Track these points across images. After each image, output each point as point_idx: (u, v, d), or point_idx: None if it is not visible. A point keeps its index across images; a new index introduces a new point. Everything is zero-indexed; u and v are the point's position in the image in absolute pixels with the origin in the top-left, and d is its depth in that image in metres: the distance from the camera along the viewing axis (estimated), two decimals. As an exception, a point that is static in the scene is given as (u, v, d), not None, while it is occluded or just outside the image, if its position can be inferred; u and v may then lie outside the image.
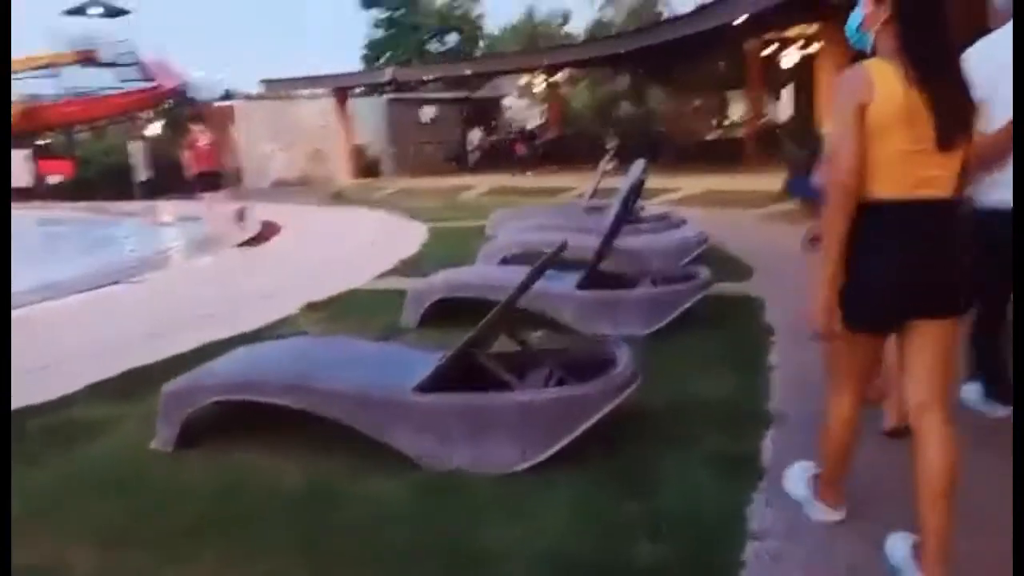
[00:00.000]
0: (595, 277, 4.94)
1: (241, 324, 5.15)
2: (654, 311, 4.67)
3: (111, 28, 33.09)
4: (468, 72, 22.81)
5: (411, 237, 9.40)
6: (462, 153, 24.17)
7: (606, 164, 11.11)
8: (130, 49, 33.10)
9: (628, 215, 5.85)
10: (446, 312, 4.82)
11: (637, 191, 5.59)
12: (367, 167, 23.84)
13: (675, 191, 13.45)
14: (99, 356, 4.54)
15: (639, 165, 5.64)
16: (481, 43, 35.72)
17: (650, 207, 10.23)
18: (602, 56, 20.09)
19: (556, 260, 3.36)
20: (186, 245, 9.64)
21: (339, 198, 17.12)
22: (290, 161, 24.43)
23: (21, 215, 17.36)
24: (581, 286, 4.84)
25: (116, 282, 6.98)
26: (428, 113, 26.06)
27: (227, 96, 32.46)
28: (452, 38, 34.69)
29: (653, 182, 13.47)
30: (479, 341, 3.05)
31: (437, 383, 2.94)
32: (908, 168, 1.93)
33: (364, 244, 9.20)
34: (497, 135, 25.71)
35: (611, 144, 16.37)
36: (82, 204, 17.95)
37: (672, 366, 3.88)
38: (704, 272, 4.94)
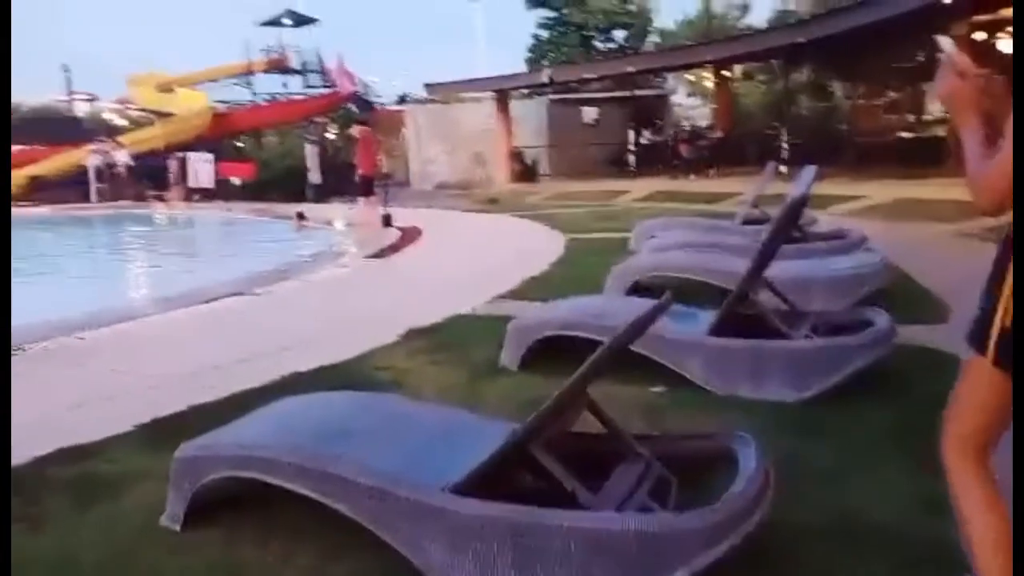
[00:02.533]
0: (734, 319, 3.97)
1: (330, 353, 4.68)
2: (812, 370, 3.63)
3: (299, 37, 35.41)
4: (631, 69, 21.73)
5: (547, 251, 8.69)
6: (623, 155, 23.16)
7: (774, 168, 9.84)
8: (315, 56, 35.27)
9: (786, 235, 4.82)
10: (559, 348, 4.05)
11: (799, 206, 4.55)
12: (525, 170, 23.47)
13: (858, 199, 11.79)
14: (164, 388, 4.19)
15: (809, 172, 4.58)
16: (652, 39, 34.40)
17: (824, 220, 8.86)
18: (779, 47, 18.31)
19: (656, 317, 2.50)
20: (318, 254, 9.53)
21: (492, 203, 16.79)
22: (453, 165, 24.62)
23: (178, 214, 18.72)
24: (715, 331, 3.89)
25: (237, 294, 6.83)
26: (590, 114, 25.29)
27: (402, 100, 33.59)
28: (619, 35, 33.65)
29: (834, 188, 12.02)
30: (549, 418, 2.27)
31: (482, 482, 2.19)
32: None
33: (494, 258, 8.61)
34: (662, 136, 24.44)
35: (783, 144, 14.78)
36: (250, 206, 18.91)
37: (830, 458, 2.88)
38: (884, 319, 3.81)
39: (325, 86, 34.49)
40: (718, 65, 22.57)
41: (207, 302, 6.47)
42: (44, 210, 20.78)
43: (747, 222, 8.06)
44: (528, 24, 38.24)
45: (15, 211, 20.88)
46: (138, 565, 2.43)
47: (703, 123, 26.91)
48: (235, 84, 33.75)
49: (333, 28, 54.49)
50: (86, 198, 22.20)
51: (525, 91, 26.11)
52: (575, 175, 22.11)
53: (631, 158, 22.38)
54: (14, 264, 3.79)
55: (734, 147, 20.61)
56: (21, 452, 3.10)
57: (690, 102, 32.94)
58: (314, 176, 20.95)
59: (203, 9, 76.23)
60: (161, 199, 21.70)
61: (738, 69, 25.21)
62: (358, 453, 2.41)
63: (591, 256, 8.26)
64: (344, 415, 2.73)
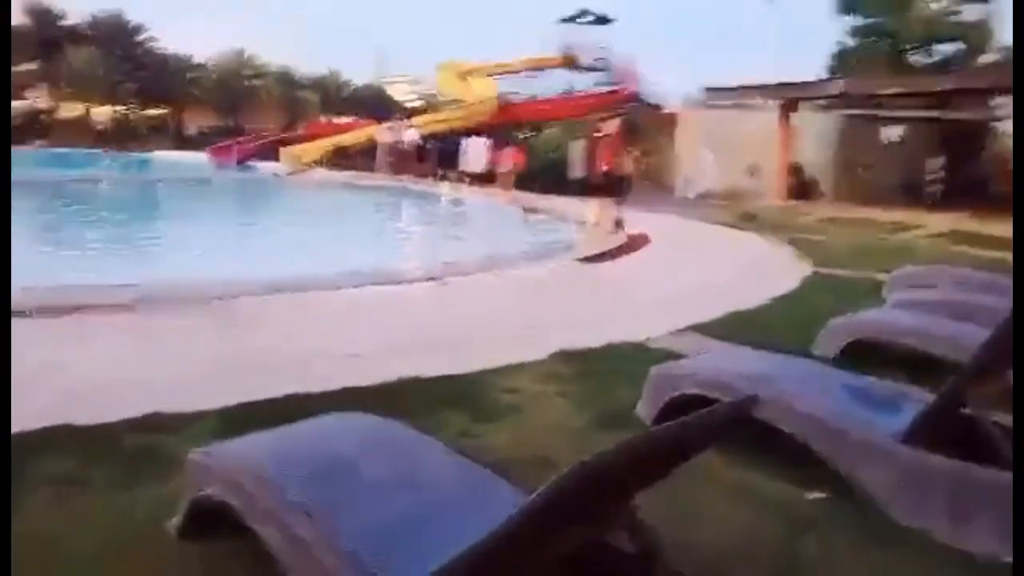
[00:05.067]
0: (944, 423, 2.87)
1: (465, 360, 4.31)
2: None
3: (594, 35, 35.90)
4: (949, 87, 18.68)
5: (777, 282, 7.54)
6: (921, 184, 20.10)
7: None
8: (605, 55, 35.55)
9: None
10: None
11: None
12: (801, 188, 21.37)
13: None
14: (253, 370, 4.08)
15: None
16: (989, 55, 29.51)
17: None
18: None
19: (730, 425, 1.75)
20: (530, 250, 9.24)
21: (750, 219, 15.41)
22: (722, 173, 23.23)
23: (441, 194, 19.61)
24: (914, 437, 2.84)
25: (429, 279, 6.77)
26: (892, 133, 22.32)
27: (685, 103, 32.61)
28: (946, 48, 29.29)
29: None
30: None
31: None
32: None
33: (708, 283, 7.64)
34: (977, 167, 20.84)
35: None
36: (505, 193, 19.40)
37: None
38: None
39: (610, 84, 34.68)
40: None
41: (396, 284, 6.48)
42: (337, 175, 23.34)
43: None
44: (829, 30, 34.81)
45: (319, 172, 23.87)
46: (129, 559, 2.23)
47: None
48: (526, 77, 35.16)
49: (629, 27, 54.37)
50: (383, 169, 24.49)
51: (818, 102, 23.75)
52: (859, 199, 19.61)
53: (931, 188, 19.34)
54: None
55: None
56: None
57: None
58: (575, 171, 20.94)
59: (509, 4, 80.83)
60: (436, 178, 23.16)
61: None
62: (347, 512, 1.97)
63: (828, 297, 6.99)
64: (356, 452, 2.30)
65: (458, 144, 24.08)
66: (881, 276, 7.48)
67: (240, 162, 27.01)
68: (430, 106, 35.78)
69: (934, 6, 28.21)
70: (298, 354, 4.36)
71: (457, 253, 8.45)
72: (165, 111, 39.06)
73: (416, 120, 27.68)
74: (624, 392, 3.87)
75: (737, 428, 1.95)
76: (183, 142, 33.68)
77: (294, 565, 1.86)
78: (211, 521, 2.25)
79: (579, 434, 3.41)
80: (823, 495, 2.90)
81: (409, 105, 33.06)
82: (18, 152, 27.17)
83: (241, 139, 31.18)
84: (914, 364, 4.17)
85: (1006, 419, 3.07)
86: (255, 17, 73.74)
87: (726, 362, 3.69)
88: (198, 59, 38.74)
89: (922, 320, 4.61)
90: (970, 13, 28.63)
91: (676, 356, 4.50)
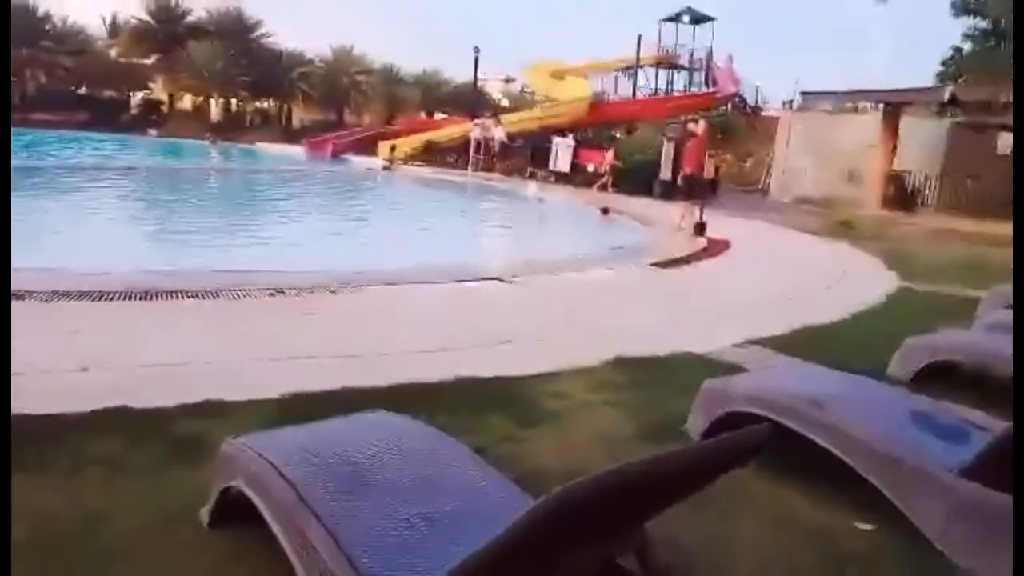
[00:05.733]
0: (1014, 458, 2.66)
1: (518, 363, 4.31)
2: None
3: (695, 35, 35.15)
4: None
5: (862, 297, 7.18)
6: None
7: None
8: (703, 55, 34.75)
9: None
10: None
11: None
12: (903, 197, 20.28)
13: None
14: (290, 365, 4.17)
15: None
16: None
17: None
18: None
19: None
20: (604, 252, 9.12)
21: (846, 227, 14.73)
22: (820, 179, 22.33)
23: (527, 192, 19.57)
24: (973, 469, 2.64)
25: (494, 279, 6.80)
26: (1007, 143, 20.88)
27: (786, 106, 31.50)
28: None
29: None
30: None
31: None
32: None
33: (784, 294, 7.34)
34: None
35: None
36: (586, 193, 19.25)
37: None
38: None
39: (708, 85, 33.86)
40: None
41: (458, 281, 6.54)
42: (427, 171, 23.79)
43: None
44: (945, 34, 32.79)
45: (410, 168, 24.38)
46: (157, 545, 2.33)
47: None
48: (622, 76, 34.75)
49: (732, 27, 52.93)
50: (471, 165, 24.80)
51: (929, 109, 22.47)
52: (967, 211, 18.47)
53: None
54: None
55: None
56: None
57: None
58: (664, 173, 20.56)
59: (611, 2, 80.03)
60: (524, 176, 23.22)
61: None
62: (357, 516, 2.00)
63: (915, 315, 6.62)
64: (376, 456, 2.32)
65: (548, 143, 24.08)
66: (977, 293, 7.02)
67: (335, 155, 27.89)
68: (524, 104, 35.89)
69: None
70: (362, 348, 4.45)
71: (530, 253, 8.43)
72: (273, 105, 40.76)
73: (506, 117, 27.83)
74: (677, 405, 3.76)
75: (757, 455, 1.85)
76: (289, 135, 35.02)
77: (300, 565, 1.90)
78: (242, 511, 2.32)
79: (622, 446, 3.34)
80: (872, 526, 2.75)
81: (502, 103, 33.23)
82: (132, 139, 29.04)
83: (337, 133, 32.21)
84: (1002, 391, 3.89)
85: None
86: (362, 15, 76.03)
87: (782, 380, 3.54)
88: (309, 55, 40.13)
89: (1008, 342, 4.29)
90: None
91: (738, 369, 4.37)
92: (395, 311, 5.62)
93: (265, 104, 41.22)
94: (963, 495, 2.60)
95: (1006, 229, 15.23)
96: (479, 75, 34.65)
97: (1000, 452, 2.64)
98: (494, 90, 45.38)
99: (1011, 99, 19.00)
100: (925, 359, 4.34)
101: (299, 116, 40.89)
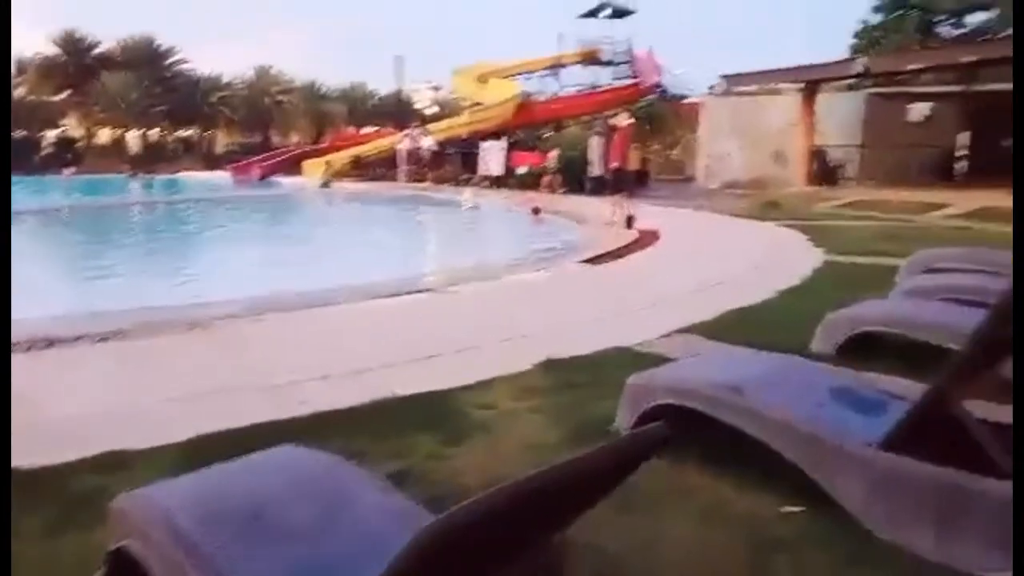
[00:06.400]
0: (932, 425, 2.66)
1: (444, 376, 4.20)
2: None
3: (615, 29, 35.47)
4: (971, 59, 18.02)
5: (789, 274, 7.29)
6: (946, 162, 19.45)
7: None
8: (626, 48, 35.12)
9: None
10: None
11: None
12: (826, 173, 20.86)
13: None
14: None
15: None
16: None
17: None
18: None
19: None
20: (532, 254, 9.08)
21: (772, 207, 15.04)
22: (746, 162, 22.78)
23: (460, 199, 19.43)
24: (891, 440, 2.64)
25: (424, 291, 6.68)
26: (919, 111, 21.68)
27: (711, 92, 32.08)
28: (977, 19, 28.34)
29: None
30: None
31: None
32: None
33: (712, 279, 7.37)
34: (1010, 139, 20.03)
35: None
36: (519, 195, 19.25)
37: None
38: None
39: (632, 78, 34.25)
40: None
41: (390, 296, 6.40)
42: (356, 186, 23.49)
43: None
44: (856, 7, 33.94)
45: (343, 184, 24.02)
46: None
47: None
48: (545, 75, 34.90)
49: (651, 18, 53.75)
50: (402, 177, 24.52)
51: (844, 83, 23.15)
52: (887, 181, 19.07)
53: (959, 166, 18.70)
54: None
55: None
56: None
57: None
58: (594, 168, 20.70)
59: (527, 3, 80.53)
60: (456, 184, 23.11)
61: None
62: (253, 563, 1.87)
63: (841, 287, 6.73)
64: (276, 498, 2.19)
65: (480, 148, 24.00)
66: (898, 262, 7.18)
67: (263, 178, 27.30)
68: (451, 111, 35.78)
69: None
70: (277, 377, 4.27)
71: (463, 261, 8.33)
72: (195, 132, 39.75)
73: (434, 126, 27.68)
74: (607, 404, 3.70)
75: (656, 453, 1.79)
76: (214, 161, 34.21)
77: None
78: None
79: (550, 453, 3.26)
80: (798, 509, 2.72)
81: (429, 111, 33.05)
82: (47, 180, 27.89)
83: (263, 155, 31.55)
84: (924, 356, 3.93)
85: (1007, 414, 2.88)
86: (281, 34, 74.76)
87: (704, 368, 3.52)
88: (227, 78, 39.32)
89: (926, 309, 4.37)
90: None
91: (667, 360, 4.35)
92: (321, 334, 5.44)
93: (187, 132, 40.21)
94: (882, 468, 2.60)
95: (920, 196, 15.79)
96: (406, 85, 34.45)
97: (916, 421, 2.65)
98: (422, 99, 45.17)
99: (917, 67, 19.71)
100: (846, 332, 4.39)
101: (223, 141, 40.00)
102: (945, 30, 28.24)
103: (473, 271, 7.65)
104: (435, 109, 34.00)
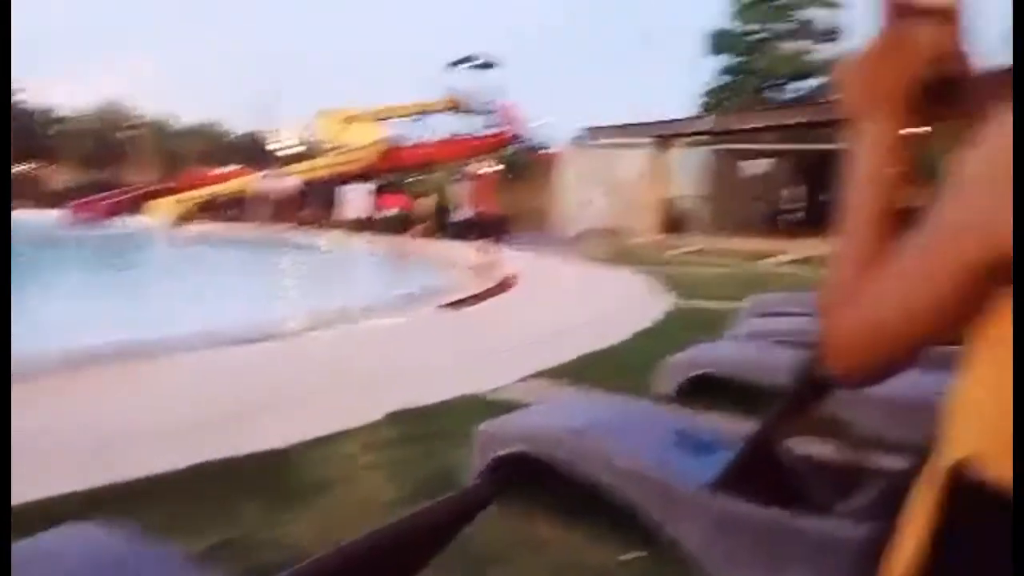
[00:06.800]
0: (761, 465, 2.74)
1: (285, 432, 3.93)
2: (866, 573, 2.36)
3: (482, 79, 36.24)
4: (798, 120, 19.82)
5: (640, 318, 7.53)
6: (776, 212, 21.17)
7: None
8: (491, 98, 35.96)
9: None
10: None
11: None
12: (676, 222, 22.11)
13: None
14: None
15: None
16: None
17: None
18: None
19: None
20: (393, 299, 8.92)
21: (623, 255, 15.66)
22: (601, 211, 23.74)
23: (320, 243, 18.99)
24: (721, 482, 2.69)
25: (264, 339, 6.35)
26: (752, 166, 23.48)
27: (571, 143, 33.33)
28: (804, 85, 31.30)
29: None
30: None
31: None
32: None
33: (569, 324, 7.49)
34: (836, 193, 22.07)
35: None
36: (384, 238, 19.08)
37: None
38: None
39: (495, 127, 35.05)
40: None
41: (236, 344, 6.04)
42: (207, 227, 22.43)
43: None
44: (705, 69, 36.61)
45: (194, 225, 22.85)
46: None
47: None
48: (414, 121, 35.09)
49: (516, 70, 55.54)
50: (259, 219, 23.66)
51: (694, 139, 24.78)
52: (731, 230, 20.45)
53: (787, 217, 20.38)
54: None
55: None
56: None
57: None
58: (458, 214, 20.93)
59: (397, 50, 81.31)
60: (316, 226, 22.60)
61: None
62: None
63: (689, 330, 7.01)
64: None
65: (344, 190, 23.67)
66: (740, 305, 7.59)
67: (107, 217, 25.57)
68: (315, 153, 35.15)
69: (791, 46, 30.23)
70: (87, 439, 3.85)
71: (318, 307, 8.01)
72: (31, 167, 36.77)
73: (294, 167, 27.05)
74: (455, 455, 3.60)
75: (481, 510, 1.70)
76: (53, 199, 31.68)
77: None
78: None
79: (391, 511, 3.09)
80: (635, 555, 2.71)
81: (290, 152, 32.25)
82: None
83: (108, 193, 29.60)
84: (758, 398, 4.09)
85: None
86: (133, 66, 71.17)
87: (553, 415, 3.49)
88: (67, 111, 36.80)
89: (756, 351, 4.59)
90: (825, 51, 30.84)
91: (521, 406, 4.30)
92: (148, 388, 5.01)
93: (22, 167, 37.12)
94: (717, 511, 2.63)
95: (759, 244, 17.00)
96: (267, 124, 33.55)
97: (744, 462, 2.72)
98: (284, 139, 44.17)
99: (753, 126, 21.46)
100: (685, 374, 4.52)
101: (65, 178, 37.24)
102: (773, 95, 31.02)
103: (328, 317, 7.37)
104: (298, 150, 33.22)
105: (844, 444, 3.20)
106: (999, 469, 0.63)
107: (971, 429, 0.66)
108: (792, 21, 30.82)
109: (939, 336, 0.68)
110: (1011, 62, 0.75)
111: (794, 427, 2.90)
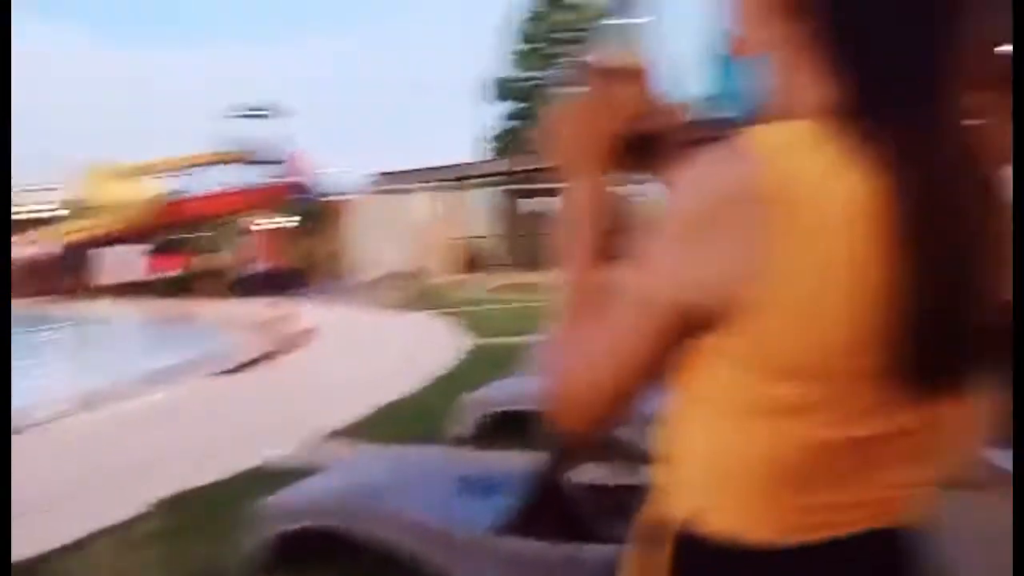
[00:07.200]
0: (548, 501, 2.73)
1: (25, 542, 3.36)
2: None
3: (267, 129, 34.79)
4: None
5: (434, 364, 7.44)
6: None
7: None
8: (275, 148, 34.69)
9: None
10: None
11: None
12: (471, 261, 22.58)
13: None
14: None
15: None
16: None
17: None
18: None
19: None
20: (166, 368, 8.16)
21: (419, 298, 15.61)
22: (394, 256, 23.66)
23: (83, 314, 17.04)
24: (508, 524, 2.63)
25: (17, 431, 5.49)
26: (528, 205, 24.66)
27: (363, 189, 32.90)
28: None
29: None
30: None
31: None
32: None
33: (365, 376, 7.27)
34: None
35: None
36: (159, 304, 17.64)
37: None
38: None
39: (281, 177, 33.80)
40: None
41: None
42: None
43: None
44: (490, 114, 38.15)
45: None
46: None
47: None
48: (189, 175, 32.96)
49: (305, 119, 54.34)
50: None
51: (487, 180, 25.53)
52: (529, 266, 21.20)
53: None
54: None
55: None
56: None
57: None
58: (245, 269, 19.86)
59: (171, 102, 76.44)
60: (80, 294, 20.39)
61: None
62: None
63: (490, 368, 7.02)
64: None
65: (113, 252, 21.55)
66: (535, 339, 7.76)
67: None
68: (79, 213, 31.90)
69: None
70: None
71: (69, 389, 7.06)
72: None
73: (60, 228, 24.27)
74: (233, 540, 3.25)
75: None
76: None
77: None
78: None
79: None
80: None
81: (50, 214, 28.93)
82: None
83: None
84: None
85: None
86: None
87: (335, 479, 3.29)
88: None
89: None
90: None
91: (308, 473, 4.02)
92: None
93: None
94: (504, 552, 2.58)
95: (536, 279, 17.68)
96: (26, 184, 29.94)
97: (529, 502, 2.69)
98: (42, 200, 39.71)
99: (533, 167, 22.65)
100: (479, 414, 4.49)
101: None
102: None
103: (87, 399, 6.53)
104: (59, 212, 29.94)
105: (624, 465, 3.29)
106: (723, 523, 0.65)
107: (693, 485, 0.68)
108: (561, 67, 33.02)
109: (652, 386, 0.68)
110: (1011, 60, 0.91)
111: (574, 459, 2.93)
